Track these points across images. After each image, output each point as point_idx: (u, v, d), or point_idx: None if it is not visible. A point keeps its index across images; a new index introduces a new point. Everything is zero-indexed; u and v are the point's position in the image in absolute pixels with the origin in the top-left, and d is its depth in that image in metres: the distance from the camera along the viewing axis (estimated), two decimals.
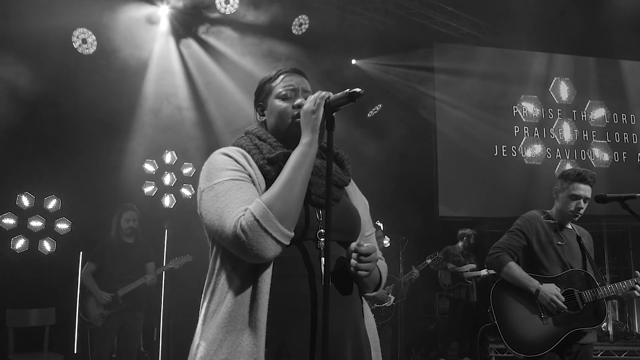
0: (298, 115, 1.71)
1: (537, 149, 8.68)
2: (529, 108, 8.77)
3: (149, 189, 6.98)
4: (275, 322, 1.54)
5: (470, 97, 8.50)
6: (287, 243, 1.55)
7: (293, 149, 1.67)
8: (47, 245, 6.41)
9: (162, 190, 7.06)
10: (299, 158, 1.61)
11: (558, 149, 8.73)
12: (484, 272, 7.70)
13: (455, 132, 8.42)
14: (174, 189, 7.13)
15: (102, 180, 6.39)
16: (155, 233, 6.69)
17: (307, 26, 7.58)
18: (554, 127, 8.79)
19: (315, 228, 1.66)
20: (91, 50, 6.57)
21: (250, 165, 1.68)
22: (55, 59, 6.33)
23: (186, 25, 7.27)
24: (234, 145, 1.79)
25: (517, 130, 8.67)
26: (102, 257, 5.45)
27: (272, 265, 1.58)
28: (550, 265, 3.34)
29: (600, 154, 8.83)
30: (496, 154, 8.56)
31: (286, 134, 1.76)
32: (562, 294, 3.24)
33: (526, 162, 8.62)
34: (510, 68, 8.81)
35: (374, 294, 1.85)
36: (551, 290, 3.21)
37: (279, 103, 1.78)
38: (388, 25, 8.34)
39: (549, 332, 3.20)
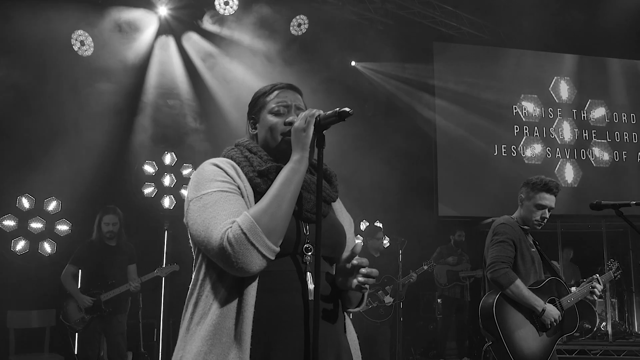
0: (289, 133, 1.71)
1: (537, 148, 8.67)
2: (529, 107, 8.76)
3: (148, 190, 7.01)
4: (260, 336, 1.54)
5: (470, 96, 8.48)
6: (273, 258, 1.55)
7: (283, 164, 1.68)
8: (47, 247, 6.45)
9: (162, 191, 7.09)
10: (289, 174, 1.62)
11: (558, 149, 8.72)
12: (479, 272, 7.73)
13: (455, 131, 8.42)
14: (174, 190, 7.15)
15: (101, 181, 6.42)
16: (155, 234, 6.73)
17: (306, 26, 7.57)
18: (554, 126, 8.77)
19: (302, 243, 1.67)
20: (89, 52, 6.59)
21: (239, 177, 1.68)
22: (55, 61, 6.37)
23: (183, 26, 7.29)
24: (224, 156, 1.79)
25: (517, 129, 8.66)
26: (83, 260, 5.42)
27: (257, 278, 1.58)
28: (526, 273, 3.36)
29: (600, 154, 8.82)
30: (496, 154, 8.56)
31: (276, 149, 1.77)
32: (547, 303, 3.30)
33: (526, 161, 8.61)
34: (510, 67, 8.80)
35: (356, 310, 1.86)
36: (555, 311, 3.25)
37: (270, 118, 1.78)
38: (387, 25, 8.33)
39: (545, 343, 3.27)
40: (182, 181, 7.21)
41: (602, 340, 8.06)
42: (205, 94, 7.42)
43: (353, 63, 8.53)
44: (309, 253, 1.66)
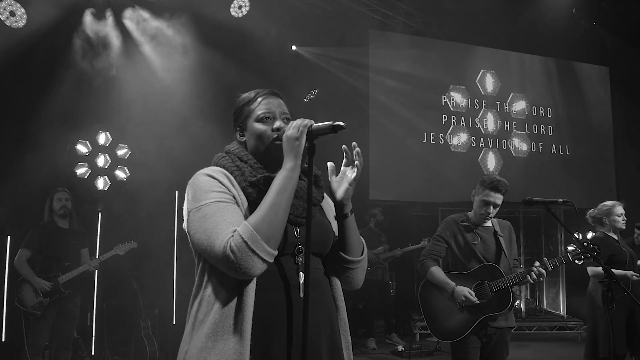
0: (277, 138, 1.83)
1: (462, 137, 9.13)
2: (457, 98, 9.18)
3: (81, 170, 6.76)
4: (258, 331, 1.67)
5: (402, 85, 8.76)
6: (272, 261, 1.68)
7: (272, 170, 1.80)
8: None
9: (96, 172, 6.86)
10: (283, 182, 1.72)
11: (482, 138, 9.23)
12: (398, 252, 8.07)
13: (387, 118, 8.69)
14: (108, 171, 6.94)
15: (31, 161, 6.11)
16: (88, 216, 6.52)
17: (247, 8, 7.49)
18: (479, 117, 9.27)
19: (294, 244, 1.80)
20: (21, 24, 6.20)
21: (233, 186, 1.78)
22: None
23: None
24: (215, 165, 1.88)
25: (445, 118, 9.07)
26: (37, 243, 5.25)
27: (255, 278, 1.70)
28: (468, 262, 3.85)
29: (519, 144, 9.44)
30: (425, 141, 8.93)
31: (266, 155, 1.87)
32: (475, 286, 3.75)
33: (452, 149, 9.06)
34: (441, 58, 9.16)
35: (362, 258, 1.96)
36: (463, 291, 3.71)
37: (258, 126, 1.88)
38: (326, 11, 8.40)
39: (465, 319, 3.73)
40: (117, 162, 7.00)
41: (516, 316, 8.68)
42: (143, 71, 7.16)
43: (294, 47, 8.54)
44: (301, 254, 1.80)
